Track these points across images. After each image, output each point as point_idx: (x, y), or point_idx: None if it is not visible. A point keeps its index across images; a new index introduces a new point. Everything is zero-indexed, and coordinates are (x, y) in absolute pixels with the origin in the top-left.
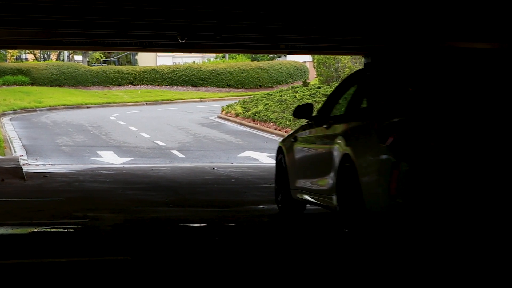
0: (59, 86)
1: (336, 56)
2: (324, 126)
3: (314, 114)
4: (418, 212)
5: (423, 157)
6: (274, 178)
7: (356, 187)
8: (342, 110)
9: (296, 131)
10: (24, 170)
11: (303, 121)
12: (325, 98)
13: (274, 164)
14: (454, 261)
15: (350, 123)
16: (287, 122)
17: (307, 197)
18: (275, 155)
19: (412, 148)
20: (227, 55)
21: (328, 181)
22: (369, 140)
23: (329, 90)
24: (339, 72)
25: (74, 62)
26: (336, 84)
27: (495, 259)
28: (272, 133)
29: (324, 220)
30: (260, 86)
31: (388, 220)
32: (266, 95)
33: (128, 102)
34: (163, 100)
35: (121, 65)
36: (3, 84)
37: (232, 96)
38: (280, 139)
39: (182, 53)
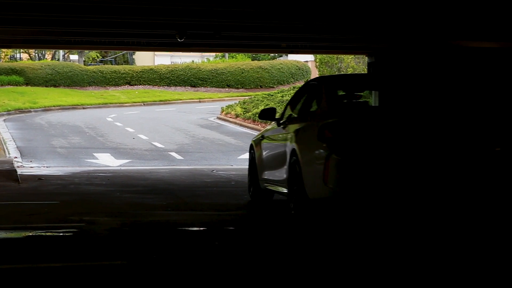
0: (55, 86)
1: (339, 56)
2: (282, 126)
3: (277, 116)
4: (347, 196)
5: (350, 150)
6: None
7: (300, 175)
8: (296, 113)
9: (265, 130)
10: (18, 173)
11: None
12: None
13: None
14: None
15: (300, 124)
16: None
17: (270, 187)
18: None
19: (342, 143)
20: (226, 54)
21: (283, 172)
22: (310, 138)
23: None
24: (342, 72)
25: (70, 61)
26: None
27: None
28: None
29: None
30: (261, 87)
31: (323, 204)
32: (267, 96)
33: (125, 103)
34: (161, 100)
35: (118, 64)
36: None
37: (232, 96)
38: None
39: (180, 53)
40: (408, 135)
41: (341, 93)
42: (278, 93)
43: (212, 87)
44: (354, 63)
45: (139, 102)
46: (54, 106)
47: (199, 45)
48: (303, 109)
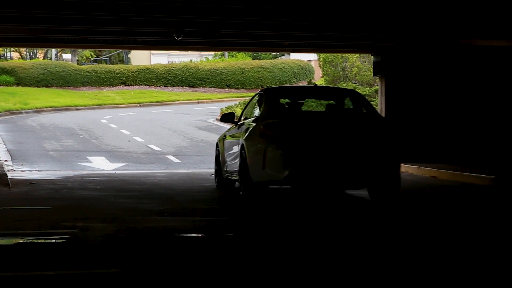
0: (47, 86)
1: (344, 55)
2: (238, 127)
3: (235, 119)
4: (278, 177)
5: (281, 144)
6: (214, 165)
7: (246, 164)
8: (248, 117)
9: (227, 131)
10: (8, 177)
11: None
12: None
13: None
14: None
15: (248, 125)
16: None
17: (230, 176)
18: None
19: (275, 139)
20: (226, 53)
21: (237, 164)
22: (255, 135)
23: None
24: (347, 72)
25: (63, 61)
26: (344, 84)
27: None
28: None
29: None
30: (262, 87)
31: (262, 185)
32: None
33: (120, 104)
34: (157, 101)
35: (112, 64)
36: None
37: (232, 97)
38: None
39: (178, 51)
40: (314, 133)
41: (286, 100)
42: None
43: (211, 87)
44: (359, 62)
45: (134, 103)
46: (46, 107)
47: (197, 44)
48: (252, 113)
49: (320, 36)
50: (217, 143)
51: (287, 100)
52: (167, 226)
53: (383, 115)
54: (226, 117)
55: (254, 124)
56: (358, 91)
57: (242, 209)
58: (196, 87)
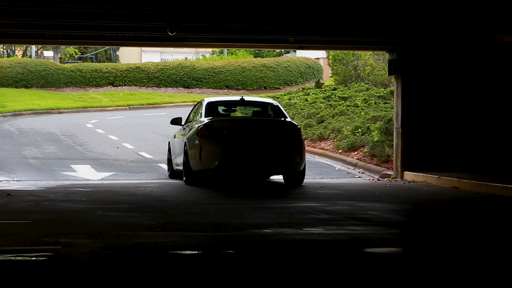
0: (26, 87)
1: (356, 52)
2: (183, 128)
3: (183, 122)
4: (211, 167)
5: (213, 141)
6: (167, 157)
7: (188, 156)
8: (191, 119)
9: (177, 131)
10: None
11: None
12: (341, 102)
13: (281, 180)
14: None
15: (191, 126)
16: None
17: (178, 167)
18: None
19: (207, 136)
20: (225, 50)
21: (183, 157)
22: (194, 134)
23: (347, 92)
24: (359, 71)
25: (44, 59)
26: (355, 85)
27: None
28: None
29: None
30: (265, 88)
31: (199, 172)
32: (272, 98)
33: (108, 107)
34: (149, 104)
35: (99, 62)
36: None
37: None
38: None
39: (172, 48)
40: (238, 133)
41: (223, 108)
42: (285, 95)
43: (209, 88)
44: (372, 61)
45: (124, 106)
46: (25, 110)
47: (193, 40)
48: (194, 118)
49: (329, 31)
50: (169, 142)
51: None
52: (160, 242)
53: (399, 118)
54: (175, 121)
55: (195, 125)
56: (372, 92)
57: (186, 188)
58: (192, 88)
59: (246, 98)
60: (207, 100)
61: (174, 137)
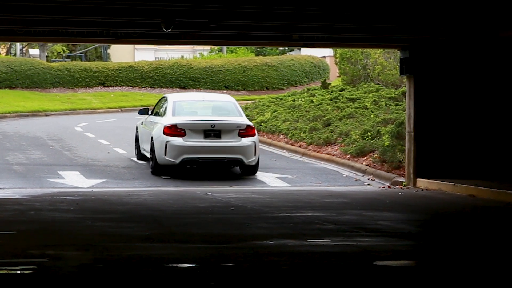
0: (10, 87)
1: (365, 50)
2: (150, 118)
3: (149, 112)
4: (176, 162)
5: (176, 140)
6: (134, 143)
7: (154, 151)
8: (156, 113)
9: (145, 118)
10: None
11: None
12: (349, 103)
13: (285, 187)
14: None
15: (157, 121)
16: (302, 134)
17: (144, 153)
18: (286, 176)
19: (168, 133)
20: (224, 48)
21: (149, 145)
22: (160, 132)
23: (355, 93)
24: (368, 70)
25: (29, 57)
26: (365, 85)
27: None
28: (282, 148)
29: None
30: (267, 88)
31: (165, 166)
32: (274, 100)
33: (98, 109)
34: (142, 105)
35: (89, 61)
36: None
37: None
38: (293, 155)
39: (167, 46)
40: (199, 131)
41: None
42: (289, 96)
43: (207, 88)
44: (383, 59)
45: (115, 108)
46: (9, 112)
47: (190, 37)
48: (159, 111)
49: (336, 27)
50: (136, 126)
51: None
52: (154, 254)
53: (412, 121)
54: (142, 111)
55: (159, 123)
56: (382, 93)
57: (153, 178)
58: (189, 88)
59: (207, 96)
60: (171, 98)
61: (142, 124)
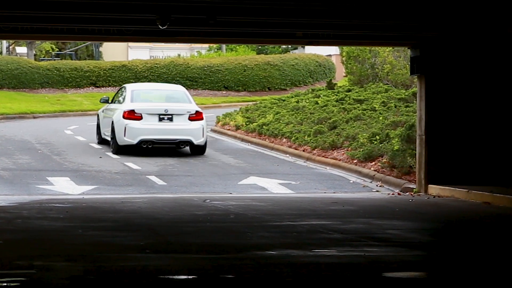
0: None
1: (373, 48)
2: (112, 106)
3: (110, 101)
4: (134, 142)
5: (134, 123)
6: (96, 129)
7: (114, 133)
8: (116, 101)
9: (106, 106)
10: None
11: None
12: (357, 105)
13: (288, 194)
14: None
15: (116, 108)
16: (306, 137)
17: (106, 137)
18: (289, 182)
19: (127, 118)
20: (223, 46)
21: (109, 131)
22: (120, 116)
23: (363, 94)
24: (377, 70)
25: (16, 56)
26: (373, 86)
27: None
28: (285, 152)
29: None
30: (269, 89)
31: (124, 146)
32: (277, 101)
33: (90, 110)
34: None
35: (79, 60)
36: None
37: (231, 102)
38: (296, 160)
39: (162, 44)
40: (154, 115)
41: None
42: (292, 97)
43: (205, 89)
44: (392, 58)
45: None
46: None
47: (187, 34)
48: (119, 99)
49: (343, 24)
50: (98, 114)
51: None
52: (149, 265)
53: (423, 124)
54: (104, 100)
55: (119, 109)
56: (391, 94)
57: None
58: (186, 89)
59: (160, 86)
60: (129, 87)
61: (103, 112)
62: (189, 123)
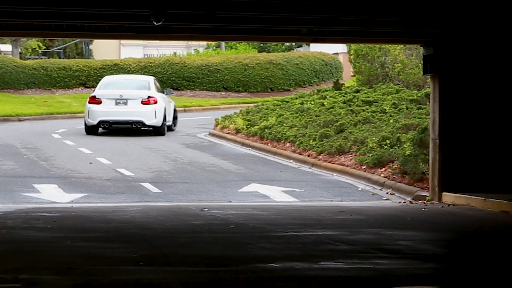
0: None
1: (383, 46)
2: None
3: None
4: (95, 123)
5: (95, 106)
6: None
7: (85, 117)
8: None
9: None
10: None
11: None
12: (365, 107)
13: (292, 203)
14: None
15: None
16: (311, 141)
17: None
18: (293, 189)
19: (91, 102)
20: (223, 44)
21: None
22: (87, 100)
23: (372, 95)
24: (387, 69)
25: (0, 54)
26: (383, 86)
27: None
28: (289, 157)
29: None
30: (272, 90)
31: (92, 126)
32: (280, 102)
33: (79, 113)
34: None
35: (68, 58)
36: None
37: (231, 103)
38: (301, 166)
39: (157, 41)
40: (108, 98)
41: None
42: (296, 98)
43: (203, 90)
44: (404, 56)
45: None
46: None
47: (183, 31)
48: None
49: (350, 20)
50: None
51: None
52: (143, 279)
53: (437, 127)
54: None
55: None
56: (403, 95)
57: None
58: (182, 89)
59: (130, 76)
60: (105, 78)
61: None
62: (142, 106)
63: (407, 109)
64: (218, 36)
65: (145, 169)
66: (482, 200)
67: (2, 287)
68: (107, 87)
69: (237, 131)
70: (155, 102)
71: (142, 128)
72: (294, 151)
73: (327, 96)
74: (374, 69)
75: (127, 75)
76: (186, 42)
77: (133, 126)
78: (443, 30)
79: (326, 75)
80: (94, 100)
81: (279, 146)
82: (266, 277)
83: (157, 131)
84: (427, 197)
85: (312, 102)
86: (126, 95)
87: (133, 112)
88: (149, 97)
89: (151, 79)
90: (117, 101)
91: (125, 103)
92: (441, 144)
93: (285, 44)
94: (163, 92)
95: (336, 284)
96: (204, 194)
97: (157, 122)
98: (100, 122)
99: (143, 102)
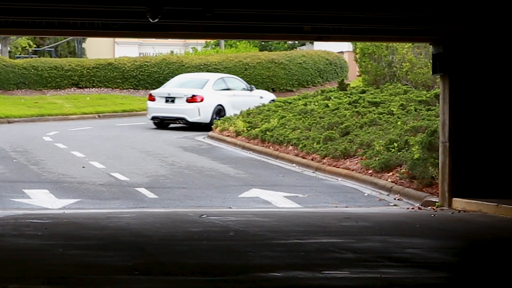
0: None
1: (390, 44)
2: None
3: None
4: (206, 120)
5: (150, 102)
6: None
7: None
8: None
9: None
10: None
11: None
12: (372, 108)
13: (295, 209)
14: None
15: None
16: (315, 144)
17: None
18: (296, 194)
19: (149, 100)
20: (222, 42)
21: None
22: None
23: (378, 96)
24: (394, 68)
25: None
26: (390, 86)
27: None
28: (291, 161)
29: None
30: (274, 90)
31: (196, 122)
32: (282, 104)
33: (71, 114)
34: (124, 110)
35: (60, 57)
36: None
37: None
38: (304, 170)
39: (153, 39)
40: (160, 96)
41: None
42: (299, 99)
43: None
44: (412, 55)
45: (91, 113)
46: None
47: (181, 29)
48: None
49: (356, 17)
50: None
51: None
52: None
53: (446, 130)
54: None
55: None
56: (411, 95)
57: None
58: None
59: (192, 75)
60: (177, 76)
61: None
62: (186, 104)
63: (415, 110)
64: (217, 34)
65: (141, 174)
66: (495, 206)
67: None
68: (171, 85)
69: (237, 133)
70: (201, 100)
71: (177, 123)
72: (297, 155)
73: (332, 97)
74: (381, 68)
75: (197, 73)
76: (183, 40)
77: (178, 122)
78: (454, 27)
79: (331, 75)
80: (151, 97)
81: (281, 150)
82: (268, 287)
83: (199, 128)
84: (437, 203)
85: (316, 103)
86: (174, 93)
87: (178, 109)
88: (193, 95)
89: (210, 77)
90: (167, 98)
91: (173, 101)
92: (451, 147)
93: (288, 42)
94: (249, 90)
95: None
96: (203, 199)
97: (201, 119)
98: (153, 118)
99: (188, 100)
